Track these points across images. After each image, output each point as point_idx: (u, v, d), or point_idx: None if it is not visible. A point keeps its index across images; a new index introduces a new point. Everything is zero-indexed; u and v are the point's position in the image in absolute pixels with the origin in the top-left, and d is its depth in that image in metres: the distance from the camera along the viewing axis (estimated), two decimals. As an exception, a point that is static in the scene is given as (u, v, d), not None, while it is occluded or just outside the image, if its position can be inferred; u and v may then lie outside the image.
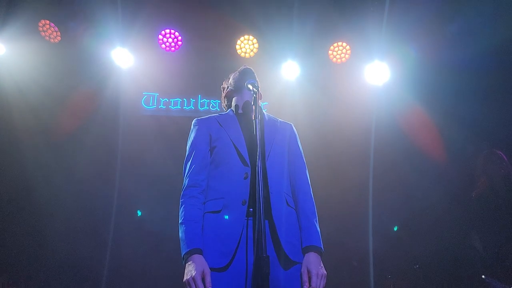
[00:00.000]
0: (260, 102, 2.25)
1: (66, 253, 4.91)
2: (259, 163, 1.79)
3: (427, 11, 4.79)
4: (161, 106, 5.57)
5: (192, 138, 2.21)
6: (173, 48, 5.37)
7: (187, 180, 2.09)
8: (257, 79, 2.32)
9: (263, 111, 2.38)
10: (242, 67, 2.44)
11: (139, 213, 5.40)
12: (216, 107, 5.63)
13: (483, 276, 3.66)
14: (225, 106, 2.51)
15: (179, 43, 5.37)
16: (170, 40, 5.34)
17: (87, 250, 4.97)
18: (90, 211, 5.17)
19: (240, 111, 2.31)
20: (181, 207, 2.04)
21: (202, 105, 5.62)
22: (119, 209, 5.18)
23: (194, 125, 2.27)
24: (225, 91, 2.47)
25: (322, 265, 1.95)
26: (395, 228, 5.57)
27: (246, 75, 2.33)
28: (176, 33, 5.34)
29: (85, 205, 5.16)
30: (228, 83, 2.46)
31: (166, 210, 4.71)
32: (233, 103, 2.39)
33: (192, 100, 5.62)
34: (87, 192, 5.16)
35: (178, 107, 5.60)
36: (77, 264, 4.92)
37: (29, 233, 4.93)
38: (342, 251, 5.07)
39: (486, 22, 4.60)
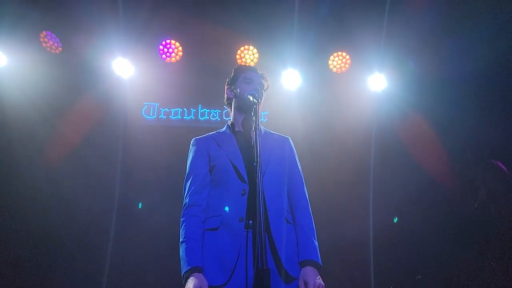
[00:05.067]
0: (260, 113, 2.24)
1: (66, 259, 4.94)
2: (259, 175, 1.79)
3: (425, 25, 4.84)
4: (162, 116, 5.58)
5: (191, 159, 2.23)
6: (173, 59, 5.40)
7: (187, 200, 2.10)
8: (260, 80, 2.31)
9: (260, 125, 2.31)
10: (244, 68, 2.39)
11: (140, 205, 5.38)
12: (216, 116, 5.63)
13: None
14: (228, 109, 2.44)
15: (180, 53, 5.40)
16: (170, 50, 5.37)
17: (87, 256, 4.97)
18: (91, 219, 5.15)
19: (237, 128, 2.30)
20: (181, 226, 2.05)
21: (203, 114, 5.63)
22: (119, 218, 5.18)
23: (192, 145, 2.28)
24: (227, 94, 2.40)
25: (319, 277, 1.94)
26: (395, 220, 5.54)
27: (250, 83, 2.29)
28: (177, 44, 5.37)
29: (86, 214, 5.14)
30: (232, 86, 2.36)
31: (167, 219, 4.71)
32: (231, 116, 2.38)
33: (193, 110, 5.63)
34: (87, 201, 5.15)
35: (179, 117, 5.60)
36: (76, 271, 4.92)
37: (30, 236, 4.95)
38: (342, 262, 5.04)
39: (482, 38, 4.65)
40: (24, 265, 4.86)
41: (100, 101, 5.31)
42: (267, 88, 2.38)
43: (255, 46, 5.40)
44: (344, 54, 5.44)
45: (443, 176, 5.11)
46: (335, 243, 4.78)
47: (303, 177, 2.27)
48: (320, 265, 1.99)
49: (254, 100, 2.09)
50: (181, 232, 2.03)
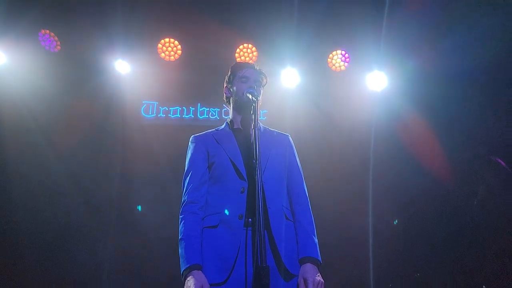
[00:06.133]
0: (259, 111, 2.22)
1: (66, 258, 4.93)
2: (258, 172, 1.79)
3: (425, 22, 4.84)
4: (161, 114, 5.58)
5: (190, 156, 2.22)
6: (172, 57, 5.39)
7: (186, 197, 2.09)
8: (257, 77, 2.28)
9: (259, 123, 2.29)
10: (241, 66, 2.35)
11: (139, 208, 5.39)
12: (215, 115, 5.63)
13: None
14: (227, 107, 2.43)
15: (179, 52, 5.39)
16: (169, 49, 5.36)
17: (86, 255, 4.97)
18: (89, 218, 5.15)
19: (236, 126, 2.28)
20: (180, 223, 2.04)
21: (202, 113, 5.62)
22: (118, 216, 5.18)
23: (191, 142, 2.28)
24: (225, 93, 2.38)
25: (319, 274, 1.94)
26: (395, 222, 5.55)
27: (246, 81, 2.27)
28: (176, 42, 5.36)
29: (85, 212, 5.14)
30: (229, 85, 2.35)
31: (166, 217, 4.71)
32: (230, 114, 2.37)
33: (192, 109, 5.63)
34: (87, 198, 5.16)
35: (178, 115, 5.60)
36: (76, 270, 4.92)
37: (30, 236, 4.94)
38: (342, 259, 5.04)
39: (482, 35, 4.65)
40: (24, 265, 4.85)
41: (99, 99, 5.31)
42: (265, 84, 2.37)
43: (254, 44, 5.39)
44: (343, 52, 5.44)
45: (442, 173, 5.11)
46: (335, 240, 4.79)
47: (302, 174, 2.26)
48: (320, 262, 1.98)
49: (253, 98, 2.07)
50: (180, 229, 2.02)
